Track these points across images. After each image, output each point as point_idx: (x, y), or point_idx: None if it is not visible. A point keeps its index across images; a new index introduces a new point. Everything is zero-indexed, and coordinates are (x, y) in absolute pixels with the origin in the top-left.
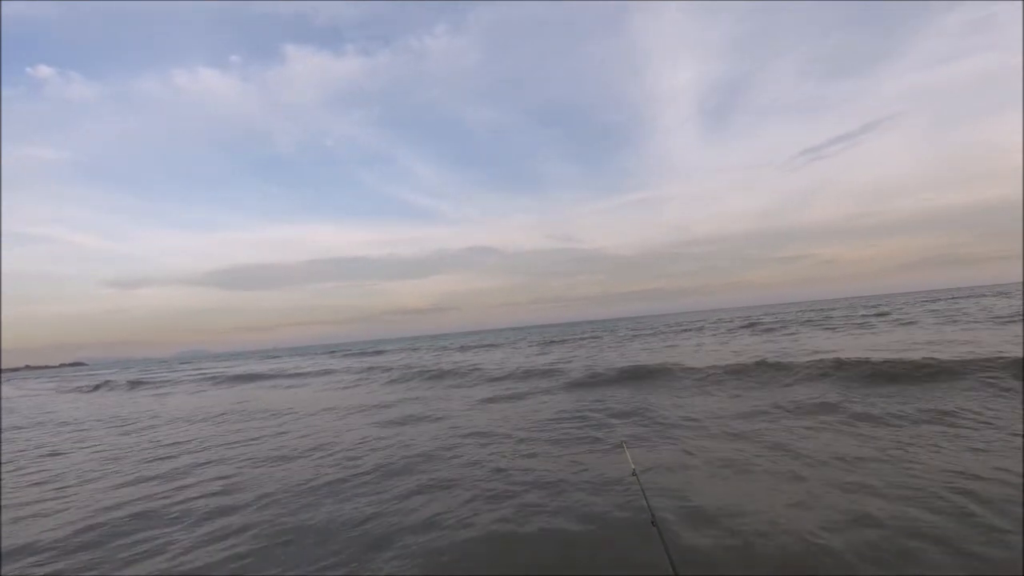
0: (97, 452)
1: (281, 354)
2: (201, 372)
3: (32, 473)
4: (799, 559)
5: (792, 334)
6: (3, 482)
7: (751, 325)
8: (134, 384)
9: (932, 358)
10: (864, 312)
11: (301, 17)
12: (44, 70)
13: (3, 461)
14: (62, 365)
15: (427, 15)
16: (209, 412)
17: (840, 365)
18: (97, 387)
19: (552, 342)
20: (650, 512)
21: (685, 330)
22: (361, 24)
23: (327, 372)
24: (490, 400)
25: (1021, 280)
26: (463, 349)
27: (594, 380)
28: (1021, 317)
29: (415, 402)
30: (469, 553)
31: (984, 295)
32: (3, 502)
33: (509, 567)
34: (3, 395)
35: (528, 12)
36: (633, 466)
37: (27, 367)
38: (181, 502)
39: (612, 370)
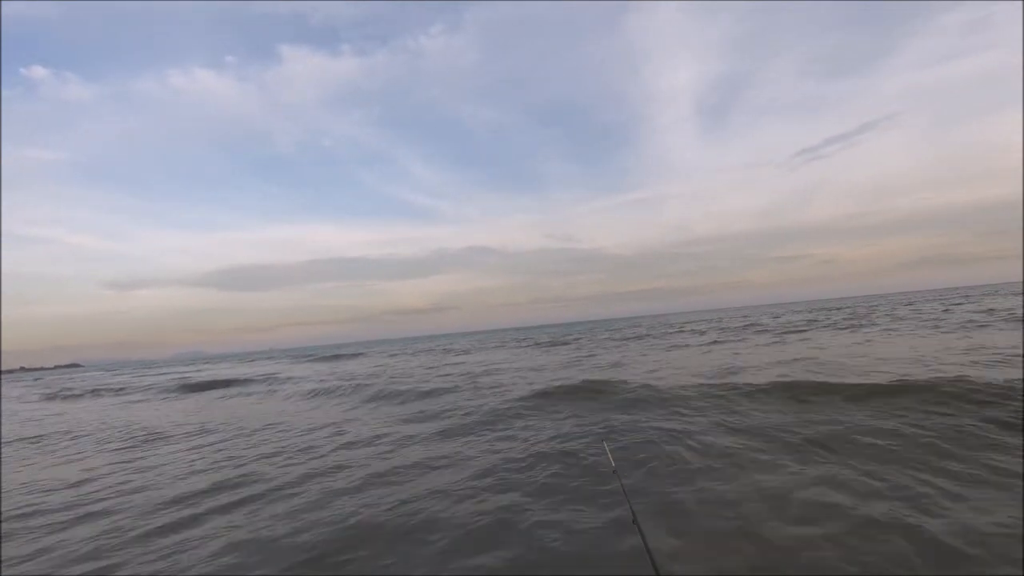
0: None
1: (275, 355)
2: (174, 377)
3: None
4: None
5: (800, 331)
6: None
7: (751, 325)
8: (94, 392)
9: (963, 376)
10: (869, 312)
11: (297, 17)
12: (39, 71)
13: None
14: (57, 367)
15: (423, 15)
16: (105, 435)
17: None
18: (51, 395)
19: (551, 343)
20: (631, 511)
21: (687, 332)
22: (357, 24)
23: (291, 380)
24: (460, 426)
25: (1021, 279)
26: (456, 352)
27: (588, 398)
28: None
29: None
30: None
31: (989, 294)
32: None
33: None
34: None
35: (525, 12)
36: (614, 465)
37: (22, 368)
38: None
39: (611, 383)
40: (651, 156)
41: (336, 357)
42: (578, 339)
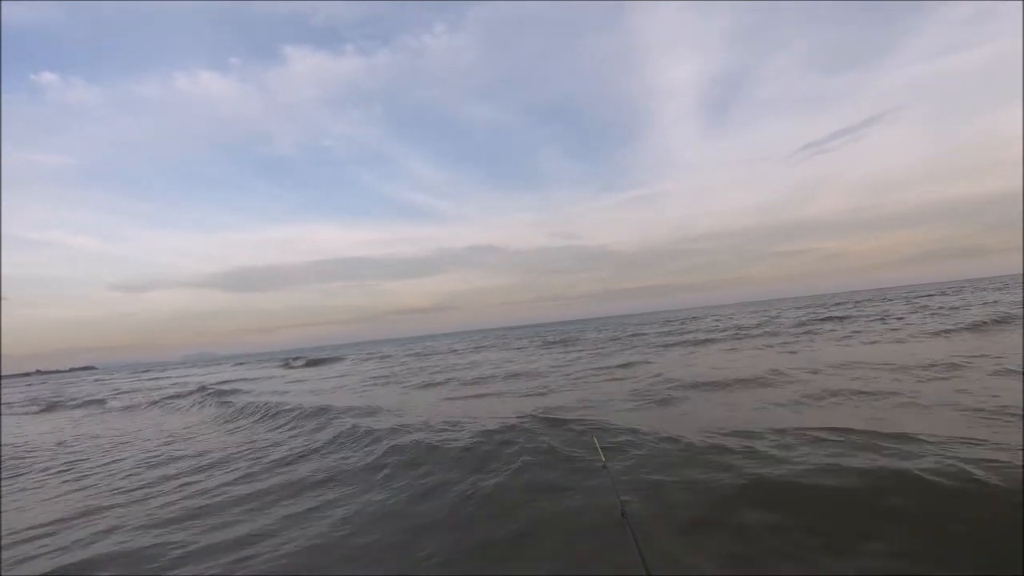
0: None
1: (276, 357)
2: (161, 384)
3: None
4: None
5: (823, 330)
6: None
7: (766, 323)
8: (58, 404)
9: None
10: (889, 305)
11: (300, 16)
12: (47, 75)
13: None
14: (72, 369)
15: (425, 14)
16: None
17: None
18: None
19: (556, 341)
20: (620, 505)
21: (696, 330)
22: (359, 24)
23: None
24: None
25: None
26: (451, 353)
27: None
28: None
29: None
30: None
31: (999, 288)
32: None
33: None
34: None
35: (526, 10)
36: (603, 459)
37: (37, 372)
38: None
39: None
40: (653, 153)
41: (335, 359)
42: (579, 339)
